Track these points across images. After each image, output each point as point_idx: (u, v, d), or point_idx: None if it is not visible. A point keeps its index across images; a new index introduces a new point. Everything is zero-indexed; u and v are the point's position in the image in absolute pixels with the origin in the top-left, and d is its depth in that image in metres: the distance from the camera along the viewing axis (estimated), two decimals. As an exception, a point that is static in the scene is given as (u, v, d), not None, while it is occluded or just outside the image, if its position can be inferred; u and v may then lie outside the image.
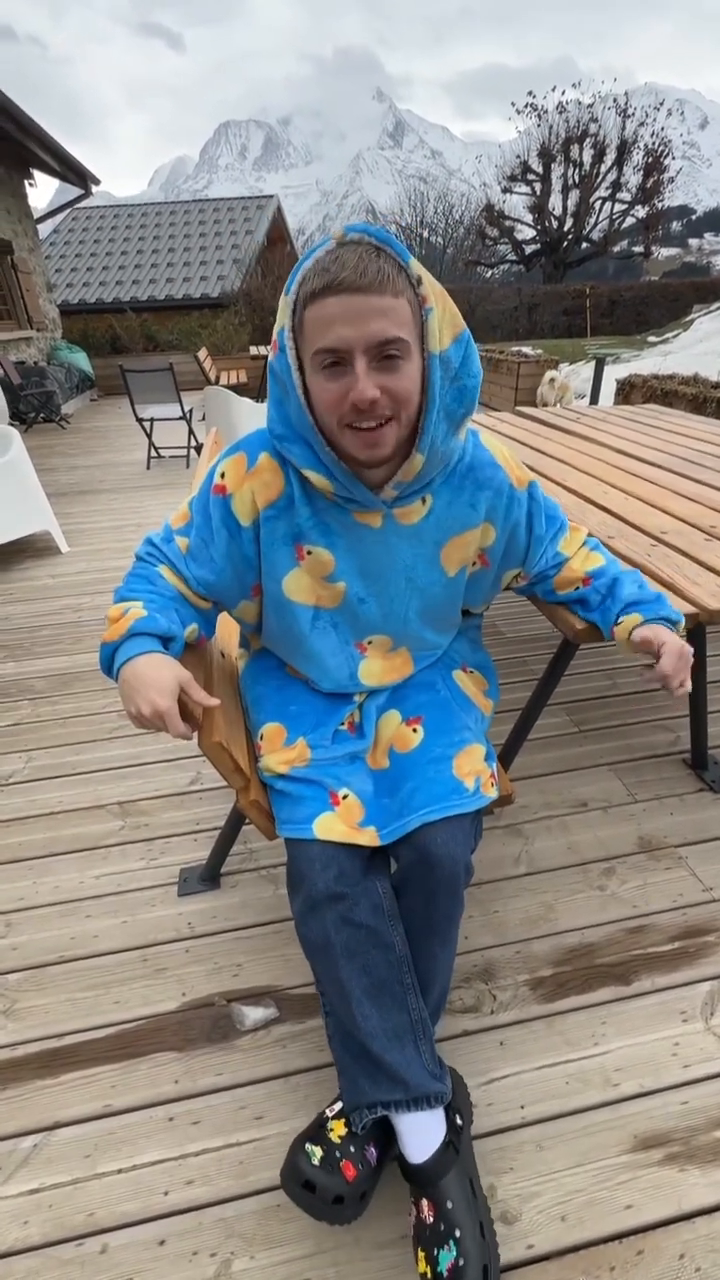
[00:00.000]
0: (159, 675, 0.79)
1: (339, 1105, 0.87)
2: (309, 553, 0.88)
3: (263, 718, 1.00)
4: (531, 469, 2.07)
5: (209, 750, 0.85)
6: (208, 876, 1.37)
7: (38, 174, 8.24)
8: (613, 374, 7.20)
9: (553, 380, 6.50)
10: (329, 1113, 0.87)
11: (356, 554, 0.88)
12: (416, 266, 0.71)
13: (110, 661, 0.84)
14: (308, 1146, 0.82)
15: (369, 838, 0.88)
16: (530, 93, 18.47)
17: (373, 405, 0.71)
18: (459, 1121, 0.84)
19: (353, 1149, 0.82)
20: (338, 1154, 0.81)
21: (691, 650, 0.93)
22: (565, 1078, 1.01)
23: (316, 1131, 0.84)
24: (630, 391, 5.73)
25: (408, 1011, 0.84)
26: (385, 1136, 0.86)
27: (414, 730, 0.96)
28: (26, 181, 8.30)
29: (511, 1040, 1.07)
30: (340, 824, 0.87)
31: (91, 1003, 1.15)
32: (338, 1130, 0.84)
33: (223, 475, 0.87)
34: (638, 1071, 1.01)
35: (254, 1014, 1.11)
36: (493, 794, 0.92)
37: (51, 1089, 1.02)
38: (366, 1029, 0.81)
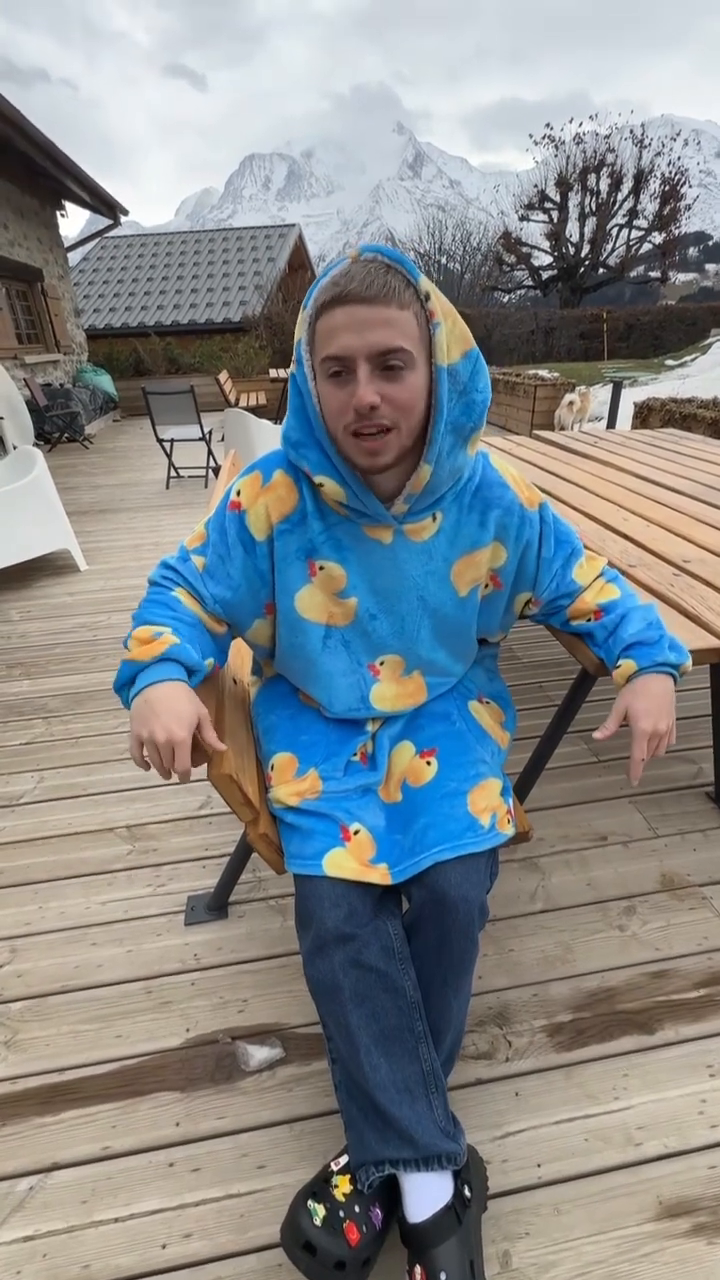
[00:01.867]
0: (180, 706, 0.78)
1: (344, 1159, 0.83)
2: (321, 568, 0.88)
3: (274, 747, 0.98)
4: (550, 494, 2.05)
5: (218, 782, 0.84)
6: (215, 905, 1.34)
7: (69, 205, 8.56)
8: (630, 397, 7.20)
9: (571, 403, 6.50)
10: (334, 1166, 0.83)
11: (368, 569, 0.88)
12: (426, 283, 0.73)
13: (130, 681, 0.82)
14: (310, 1204, 0.78)
15: (380, 875, 0.85)
16: (548, 124, 18.85)
17: (372, 411, 0.72)
18: (467, 1193, 0.79)
19: (357, 1209, 0.78)
20: (341, 1213, 0.77)
21: (669, 728, 0.88)
22: (585, 1134, 0.96)
23: (320, 1187, 0.80)
24: (648, 415, 5.72)
25: (419, 1062, 0.80)
26: (392, 1196, 0.81)
27: (428, 763, 0.94)
28: (58, 212, 8.62)
29: (528, 1091, 1.02)
30: (351, 861, 0.85)
31: (94, 1036, 1.12)
32: (343, 1187, 0.80)
33: (238, 493, 0.89)
34: (661, 1130, 0.96)
35: (259, 1054, 1.07)
36: (509, 831, 0.89)
37: (51, 1127, 0.99)
38: (375, 1080, 0.77)
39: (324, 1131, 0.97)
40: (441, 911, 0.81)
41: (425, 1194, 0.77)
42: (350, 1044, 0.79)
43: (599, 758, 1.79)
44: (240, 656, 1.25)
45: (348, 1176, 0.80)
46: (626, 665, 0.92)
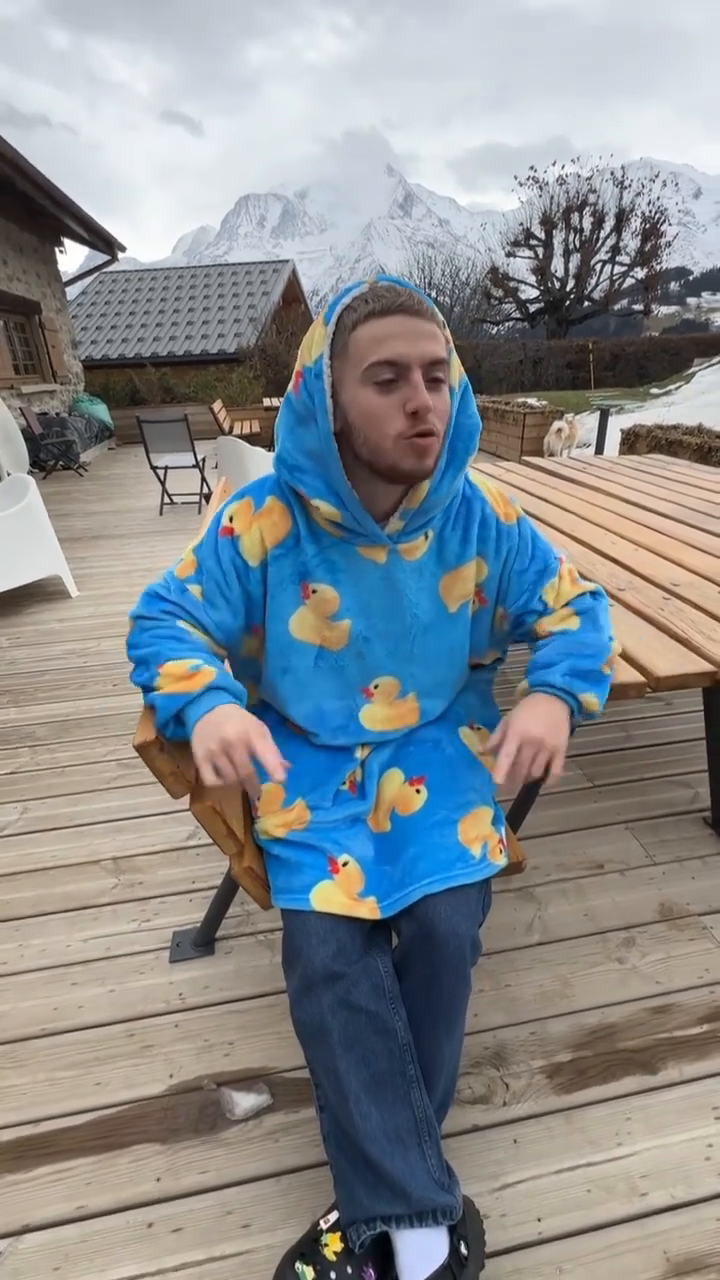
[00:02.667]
0: (246, 726, 0.78)
1: (334, 1215, 0.78)
2: (314, 591, 0.88)
3: (261, 777, 0.95)
4: (539, 518, 2.07)
5: (201, 815, 0.81)
6: (202, 941, 1.30)
7: (68, 241, 8.78)
8: (617, 424, 7.35)
9: (559, 430, 6.62)
10: (323, 1224, 0.79)
11: (361, 590, 0.88)
12: (439, 314, 0.77)
13: (177, 713, 0.80)
14: (298, 1266, 0.73)
15: (369, 909, 0.82)
16: (532, 167, 19.63)
17: (428, 413, 0.73)
18: (464, 1251, 0.74)
19: (349, 1269, 0.73)
20: (333, 1275, 0.73)
21: (552, 744, 0.81)
22: (587, 1184, 0.91)
23: (309, 1247, 0.76)
24: (635, 441, 5.83)
25: (411, 1108, 0.77)
26: (385, 1253, 0.77)
27: (417, 791, 0.92)
28: (57, 249, 8.83)
29: (526, 1138, 0.97)
30: (340, 894, 0.82)
31: (72, 1083, 1.07)
32: (333, 1245, 0.75)
33: (230, 519, 0.88)
34: (667, 1179, 0.91)
35: (245, 1101, 1.02)
36: (501, 861, 0.86)
37: (23, 1185, 0.93)
38: (365, 1130, 0.73)
39: (313, 1185, 0.92)
40: (431, 947, 0.78)
41: (420, 1254, 0.72)
42: (339, 1091, 0.75)
43: (594, 783, 1.76)
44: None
45: (338, 1234, 0.75)
46: (521, 685, 0.91)
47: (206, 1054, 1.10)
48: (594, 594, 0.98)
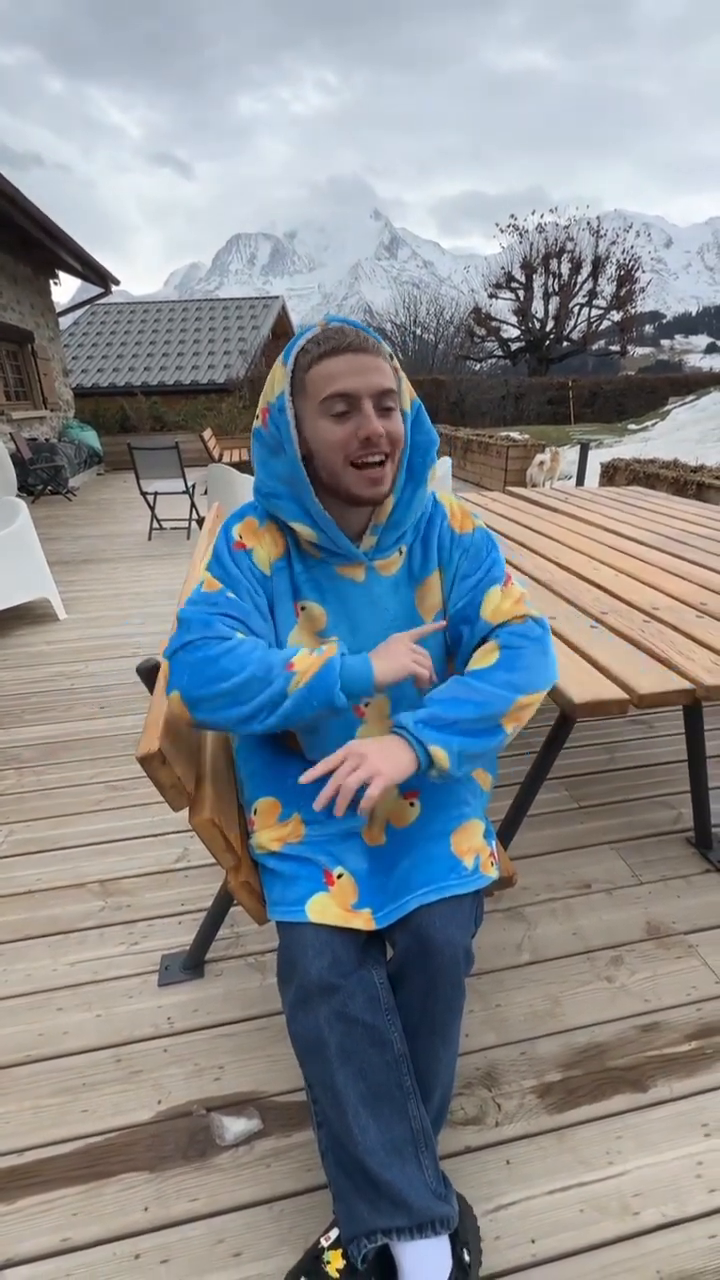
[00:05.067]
0: (394, 648, 0.84)
1: (335, 1232, 0.78)
2: (303, 608, 0.92)
3: (258, 792, 0.97)
4: (524, 545, 2.14)
5: (200, 828, 0.82)
6: (191, 964, 1.28)
7: (62, 273, 8.97)
8: (596, 458, 7.59)
9: (542, 463, 6.82)
10: (324, 1241, 0.78)
11: (345, 606, 0.92)
12: (387, 347, 0.85)
13: (334, 681, 0.78)
14: (297, 1288, 0.72)
15: (364, 921, 0.83)
16: (512, 215, 20.56)
17: (380, 438, 0.81)
18: (466, 1257, 0.74)
19: (350, 1290, 0.72)
20: (333, 1296, 0.71)
21: (374, 768, 0.75)
22: (580, 1204, 0.91)
23: (311, 1265, 0.75)
24: (614, 474, 6.02)
25: (408, 1120, 0.77)
26: (387, 1268, 0.76)
27: (411, 804, 0.94)
28: (51, 280, 9.01)
29: (519, 1158, 0.97)
30: (334, 906, 0.83)
31: (58, 1111, 1.04)
32: (335, 1263, 0.75)
33: (240, 535, 0.92)
34: (659, 1197, 0.92)
35: (235, 1126, 1.00)
36: (493, 874, 0.88)
37: (6, 1218, 0.91)
38: (364, 1144, 0.74)
39: (306, 1211, 0.91)
40: (426, 956, 0.79)
41: (423, 1264, 0.72)
42: (337, 1105, 0.75)
43: (580, 804, 1.79)
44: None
45: (339, 1251, 0.75)
46: (391, 721, 0.85)
47: (196, 1079, 1.09)
48: (537, 621, 0.91)
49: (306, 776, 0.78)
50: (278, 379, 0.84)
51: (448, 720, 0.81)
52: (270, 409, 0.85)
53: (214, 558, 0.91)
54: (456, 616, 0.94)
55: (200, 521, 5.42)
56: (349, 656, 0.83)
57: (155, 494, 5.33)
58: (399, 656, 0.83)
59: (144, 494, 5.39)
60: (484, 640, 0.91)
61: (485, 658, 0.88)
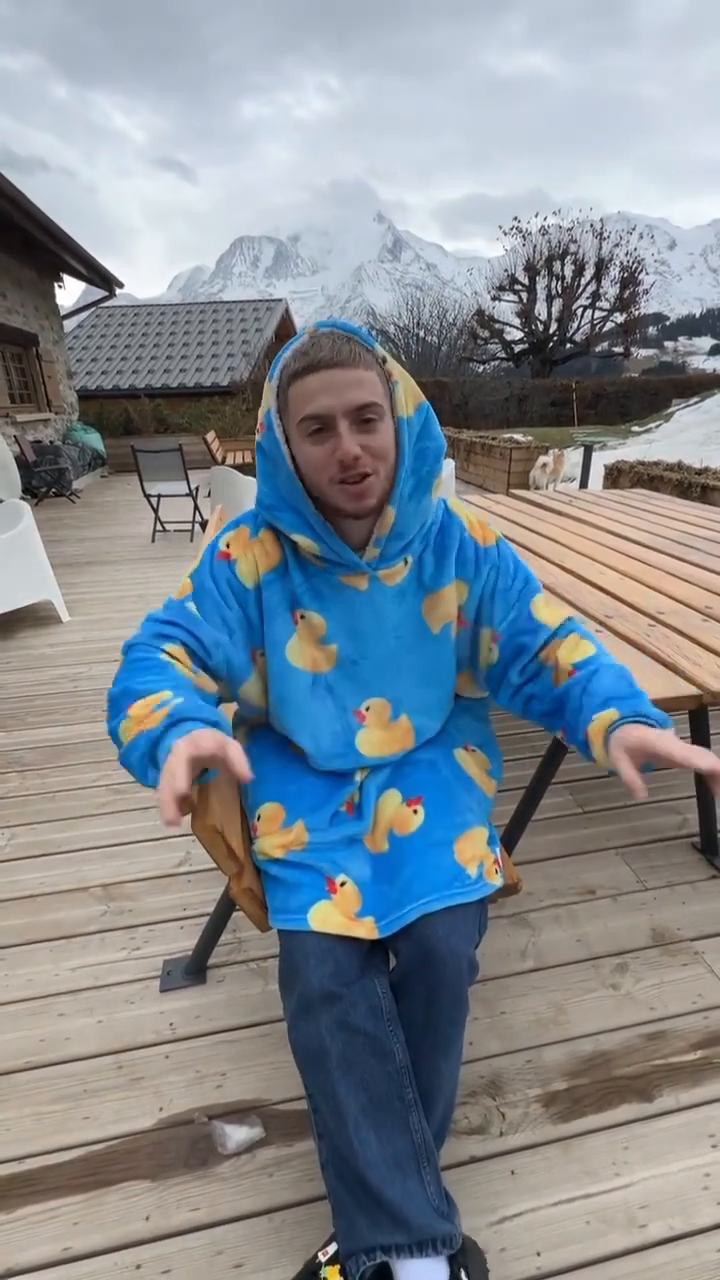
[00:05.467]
0: (170, 764, 0.66)
1: (333, 1247, 0.77)
2: (303, 617, 0.91)
3: (262, 797, 0.96)
4: (527, 549, 2.13)
5: (203, 835, 0.82)
6: (193, 970, 1.28)
7: (66, 277, 9.00)
8: (600, 460, 7.58)
9: (545, 465, 6.81)
10: (321, 1257, 0.77)
11: (347, 615, 0.91)
12: (380, 350, 0.81)
13: (151, 752, 0.71)
14: (296, 1304, 0.71)
15: (367, 929, 0.82)
16: (515, 218, 20.60)
17: (356, 461, 0.78)
18: (464, 1277, 0.73)
19: (348, 1306, 0.71)
20: (331, 1313, 0.71)
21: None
22: (586, 1216, 0.90)
23: None
24: (618, 476, 6.01)
25: (409, 1133, 0.76)
26: None
27: (414, 811, 0.93)
28: (56, 284, 9.05)
29: (524, 1169, 0.96)
30: (337, 914, 0.82)
31: (59, 1118, 1.04)
32: (332, 1279, 0.73)
33: (227, 545, 0.92)
34: (666, 1209, 0.90)
35: (237, 1135, 1.00)
36: (496, 882, 0.88)
37: (6, 1226, 0.90)
38: (365, 1157, 0.73)
39: (307, 1222, 0.90)
40: (429, 966, 0.78)
41: None
42: (338, 1116, 0.75)
43: (584, 809, 1.78)
44: (226, 707, 1.24)
45: (337, 1267, 0.74)
46: (607, 715, 0.80)
47: (198, 1086, 1.08)
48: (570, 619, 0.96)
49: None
50: (267, 394, 0.83)
51: (628, 694, 0.82)
52: (265, 421, 0.84)
53: (198, 564, 0.93)
54: (511, 630, 0.94)
55: (203, 524, 5.42)
56: (170, 733, 0.70)
57: (158, 496, 5.34)
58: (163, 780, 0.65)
59: (147, 496, 5.39)
60: (550, 640, 0.93)
61: (583, 649, 0.91)
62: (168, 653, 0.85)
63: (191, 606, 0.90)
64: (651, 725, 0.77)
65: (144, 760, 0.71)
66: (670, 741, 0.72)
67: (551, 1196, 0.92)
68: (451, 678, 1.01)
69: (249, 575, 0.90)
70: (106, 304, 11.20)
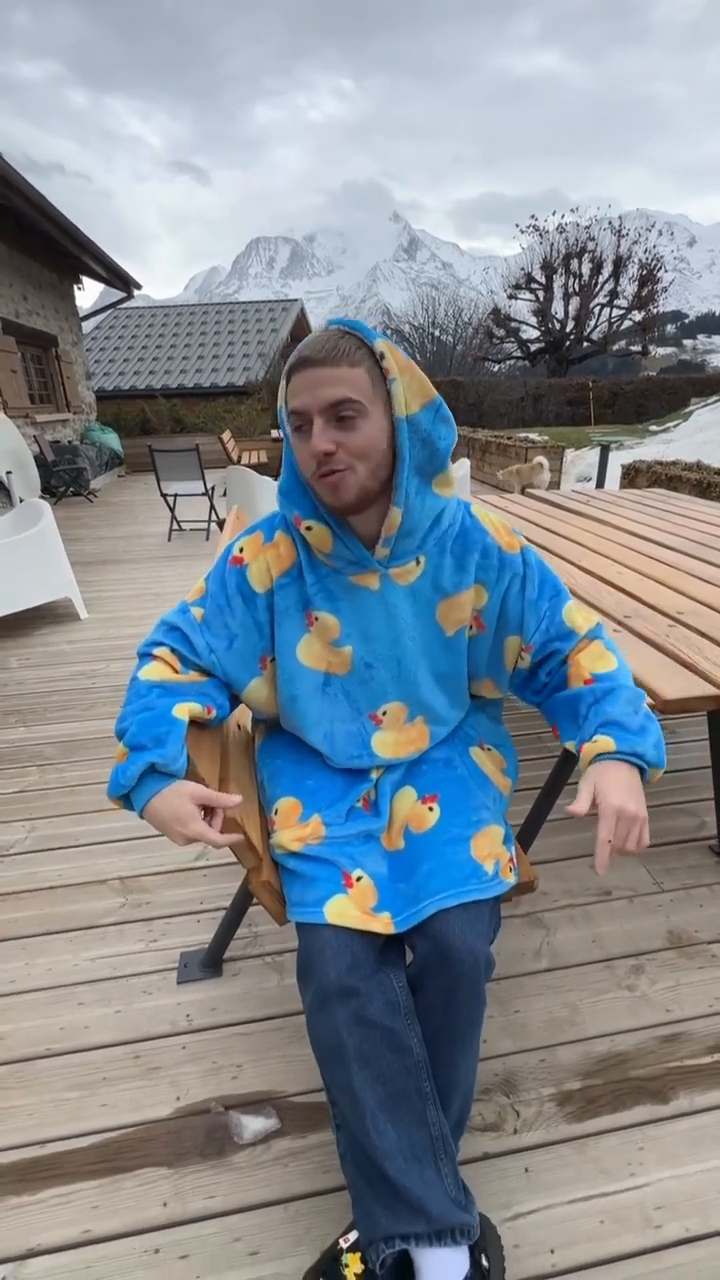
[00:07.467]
0: (175, 808, 0.79)
1: (354, 1234, 0.78)
2: (316, 618, 0.92)
3: (279, 792, 0.97)
4: (546, 549, 2.12)
5: (224, 828, 0.83)
6: (209, 962, 1.29)
7: (85, 278, 9.11)
8: (617, 460, 7.50)
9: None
10: (343, 1243, 0.78)
11: (359, 616, 0.92)
12: (381, 344, 0.80)
13: (126, 795, 0.83)
14: (316, 1289, 0.72)
15: (383, 924, 0.83)
16: (532, 216, 20.45)
17: (327, 457, 0.79)
18: (485, 1263, 0.74)
19: (369, 1295, 0.72)
20: (351, 1299, 0.71)
21: (636, 813, 0.79)
22: (600, 1215, 0.90)
23: (330, 1266, 0.75)
24: (635, 476, 5.95)
25: (427, 1126, 0.77)
26: (405, 1274, 0.76)
27: (430, 809, 0.93)
28: (75, 286, 9.16)
29: (538, 1166, 0.96)
30: (353, 908, 0.83)
31: (77, 1105, 1.06)
32: (354, 1266, 0.75)
33: (240, 550, 0.94)
34: (681, 1210, 0.90)
35: (253, 1125, 1.01)
36: (512, 879, 0.88)
37: (28, 1208, 0.92)
38: (382, 1148, 0.73)
39: (322, 1212, 0.91)
40: (446, 963, 0.79)
41: (442, 1272, 0.72)
42: (355, 1109, 0.75)
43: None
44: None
45: (358, 1255, 0.75)
46: (602, 741, 0.84)
47: (214, 1076, 1.09)
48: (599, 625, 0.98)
49: (600, 858, 0.78)
50: (280, 391, 0.86)
51: (655, 738, 0.85)
52: (280, 416, 0.87)
53: (215, 568, 0.96)
54: (543, 639, 0.94)
55: (220, 523, 5.46)
56: (151, 774, 0.81)
57: (175, 496, 5.39)
58: (172, 824, 0.79)
59: (164, 496, 5.45)
60: (578, 643, 0.95)
61: (605, 661, 0.93)
62: (158, 657, 0.92)
63: (196, 612, 0.94)
64: (637, 765, 0.83)
65: (120, 794, 0.83)
66: (605, 820, 0.79)
67: (566, 1195, 0.92)
68: (464, 682, 1.02)
69: (260, 580, 0.92)
70: (124, 305, 11.31)
